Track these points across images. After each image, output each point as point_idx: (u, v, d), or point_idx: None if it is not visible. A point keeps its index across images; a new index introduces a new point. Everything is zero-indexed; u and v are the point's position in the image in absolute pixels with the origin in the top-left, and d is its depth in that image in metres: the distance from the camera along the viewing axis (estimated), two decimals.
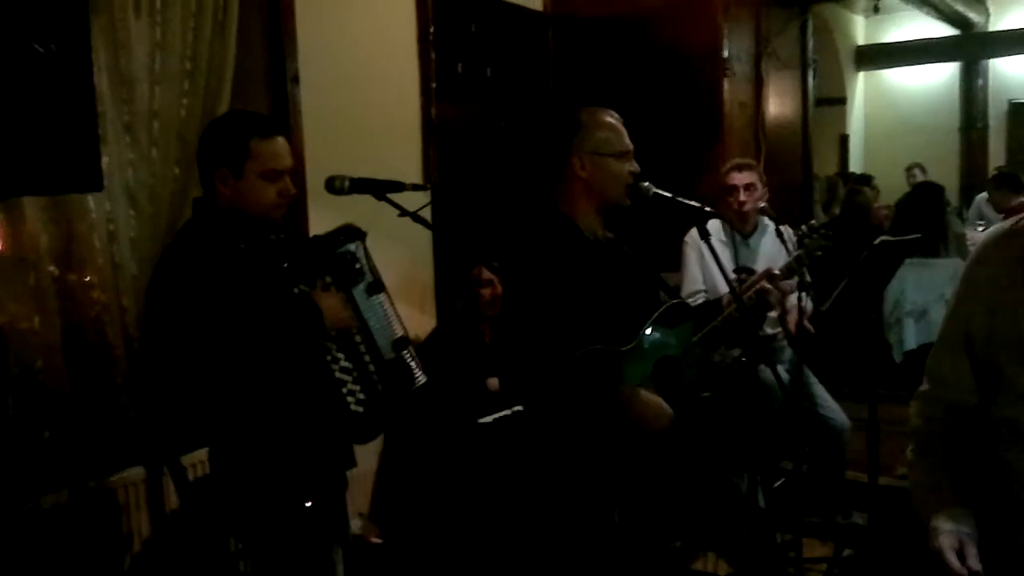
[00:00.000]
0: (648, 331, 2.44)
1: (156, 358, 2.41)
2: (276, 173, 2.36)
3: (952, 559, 1.69)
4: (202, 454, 2.90)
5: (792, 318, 3.40)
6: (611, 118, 2.58)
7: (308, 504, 2.38)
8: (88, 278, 2.89)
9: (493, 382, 3.63)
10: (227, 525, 2.56)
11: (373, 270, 2.49)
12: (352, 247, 2.44)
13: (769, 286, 2.76)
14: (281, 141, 2.40)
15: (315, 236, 2.47)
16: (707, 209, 2.52)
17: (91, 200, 2.87)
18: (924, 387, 1.97)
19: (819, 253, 2.92)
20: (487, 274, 3.85)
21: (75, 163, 2.13)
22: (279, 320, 2.30)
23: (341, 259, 2.43)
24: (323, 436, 2.40)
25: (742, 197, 3.77)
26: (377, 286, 2.48)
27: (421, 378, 2.55)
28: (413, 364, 2.55)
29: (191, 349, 2.24)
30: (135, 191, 2.98)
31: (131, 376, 2.92)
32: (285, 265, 2.36)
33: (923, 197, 6.76)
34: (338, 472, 2.55)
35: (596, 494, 2.41)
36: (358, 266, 2.45)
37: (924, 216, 6.47)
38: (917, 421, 1.94)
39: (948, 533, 1.72)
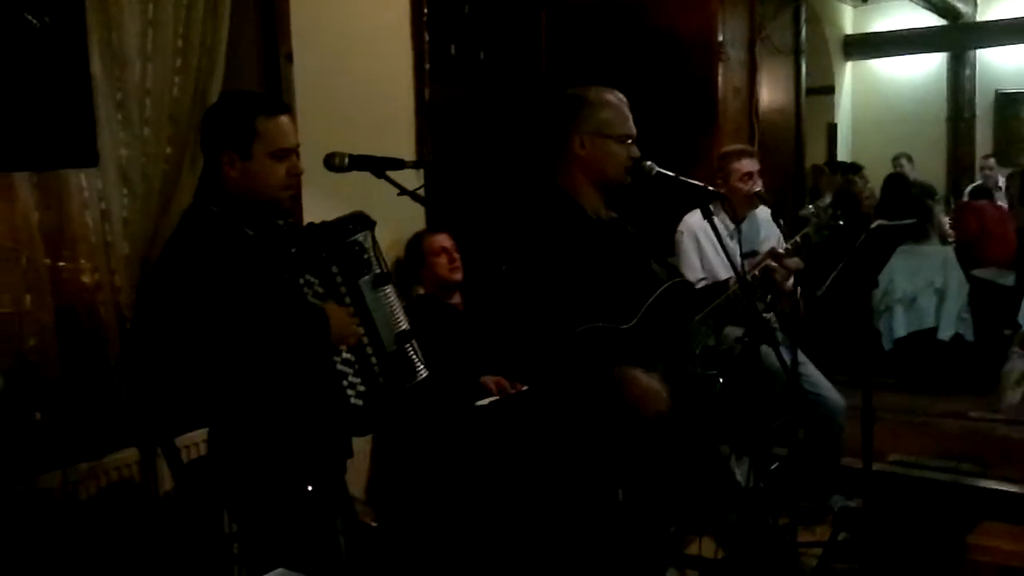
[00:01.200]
0: None
1: (156, 342, 2.36)
2: (285, 152, 2.31)
3: None
4: (196, 436, 2.89)
5: (787, 300, 3.40)
6: (617, 99, 2.56)
7: (309, 488, 2.34)
8: (80, 258, 2.86)
9: (489, 383, 3.59)
10: (222, 507, 2.53)
11: (381, 261, 2.44)
12: (360, 237, 2.39)
13: (775, 264, 2.75)
14: (286, 118, 2.35)
15: (323, 223, 2.41)
16: (710, 188, 2.51)
17: (83, 179, 2.83)
18: None
19: (826, 232, 2.90)
20: (440, 241, 3.78)
21: (70, 138, 2.10)
22: (284, 317, 2.26)
23: (349, 249, 2.37)
24: (321, 428, 2.37)
25: (758, 183, 3.77)
26: (384, 278, 2.43)
27: (423, 372, 2.50)
28: (415, 358, 2.50)
29: (196, 335, 2.19)
30: (127, 170, 2.94)
31: (124, 356, 2.89)
32: (293, 251, 2.31)
33: (896, 187, 6.85)
34: (336, 461, 2.53)
35: (600, 472, 2.39)
36: (366, 257, 2.39)
37: (906, 203, 6.55)
38: None
39: None
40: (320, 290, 2.33)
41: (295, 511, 2.34)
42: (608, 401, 2.33)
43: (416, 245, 3.84)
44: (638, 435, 2.39)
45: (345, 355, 2.38)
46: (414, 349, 2.49)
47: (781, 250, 2.86)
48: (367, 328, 2.40)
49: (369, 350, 2.42)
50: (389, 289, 2.45)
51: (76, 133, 2.10)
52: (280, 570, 1.72)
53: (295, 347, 2.27)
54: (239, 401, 2.28)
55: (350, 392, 2.38)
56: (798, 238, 3.01)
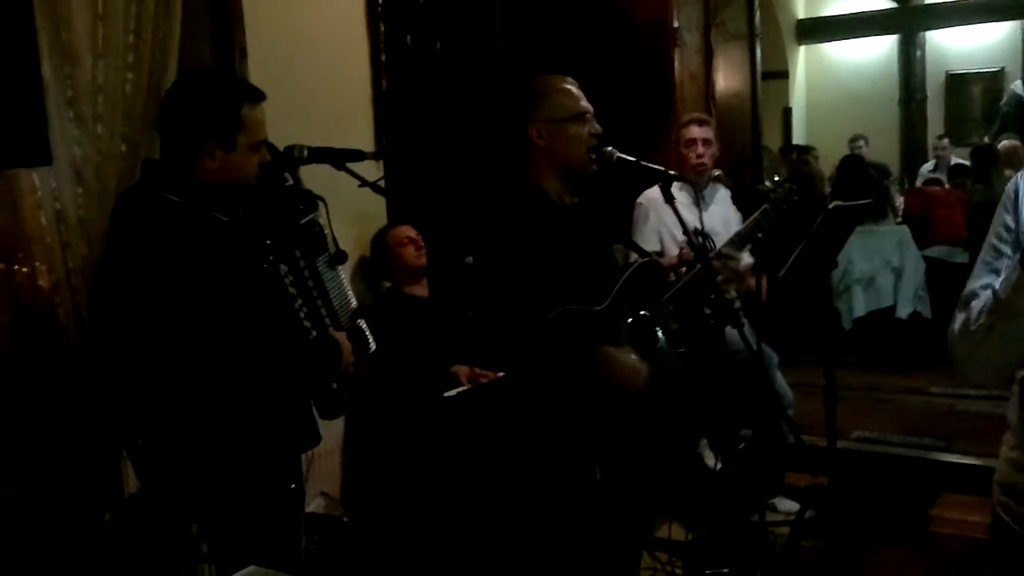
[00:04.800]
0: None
1: (124, 337, 2.28)
2: (260, 144, 2.27)
3: None
4: None
5: (748, 283, 3.44)
6: (566, 83, 2.57)
7: (292, 486, 2.34)
8: (36, 260, 2.80)
9: (460, 373, 3.59)
10: (190, 507, 2.50)
11: (335, 240, 2.44)
12: (315, 215, 2.37)
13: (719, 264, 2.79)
14: (264, 107, 2.29)
15: (271, 202, 2.34)
16: (671, 172, 2.52)
17: (36, 178, 2.77)
18: None
19: (784, 208, 2.93)
20: (404, 231, 3.78)
21: (21, 137, 2.07)
22: (297, 348, 2.26)
23: (309, 230, 2.35)
24: (297, 414, 2.36)
25: (700, 150, 3.80)
26: (339, 257, 2.42)
27: (372, 345, 2.54)
28: (367, 332, 2.53)
29: (188, 337, 2.13)
30: (82, 168, 2.87)
31: (84, 358, 2.84)
32: (268, 242, 2.25)
33: (853, 168, 6.94)
34: (304, 450, 2.52)
35: (579, 454, 2.40)
36: (323, 237, 2.39)
37: (862, 183, 6.64)
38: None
39: None
40: (291, 278, 2.31)
41: (265, 508, 2.33)
42: (588, 382, 2.34)
43: (381, 239, 3.86)
44: (617, 414, 2.42)
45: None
46: (364, 322, 2.53)
47: (737, 234, 2.89)
48: (327, 309, 2.40)
49: (331, 331, 2.41)
50: (340, 268, 2.45)
51: (27, 132, 2.08)
52: (252, 567, 1.70)
53: (306, 375, 2.28)
54: (220, 397, 2.23)
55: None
56: (758, 214, 3.04)
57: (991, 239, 1.78)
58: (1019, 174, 1.79)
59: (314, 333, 2.34)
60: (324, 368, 2.32)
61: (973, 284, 1.78)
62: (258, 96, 2.28)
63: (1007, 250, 1.74)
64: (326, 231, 2.39)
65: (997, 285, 1.66)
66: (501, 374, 3.34)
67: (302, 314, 2.31)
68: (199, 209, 2.21)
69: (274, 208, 2.34)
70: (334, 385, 2.39)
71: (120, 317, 2.23)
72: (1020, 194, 1.74)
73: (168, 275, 2.10)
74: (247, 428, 2.26)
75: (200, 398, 2.22)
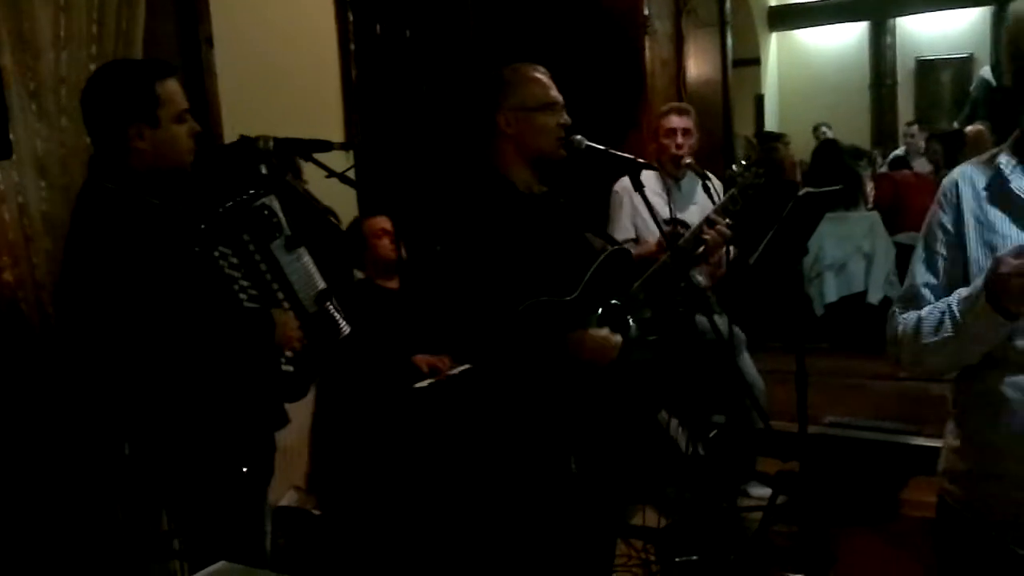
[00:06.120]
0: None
1: (84, 336, 2.29)
2: (184, 113, 2.28)
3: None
4: None
5: (718, 269, 3.45)
6: (536, 72, 2.56)
7: (244, 470, 2.33)
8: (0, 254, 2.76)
9: (421, 361, 3.57)
10: (160, 500, 2.50)
11: (291, 224, 2.43)
12: (267, 200, 2.37)
13: (708, 229, 2.79)
14: (175, 79, 2.31)
15: (219, 188, 2.37)
16: (640, 160, 2.52)
17: None
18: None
19: (751, 192, 2.94)
20: (380, 223, 3.77)
21: None
22: (228, 322, 2.26)
23: (257, 213, 2.35)
24: (256, 399, 2.35)
25: (679, 140, 3.80)
26: (296, 240, 2.41)
27: (346, 328, 2.54)
28: (337, 315, 2.53)
29: (128, 326, 2.15)
30: (45, 161, 2.84)
31: (49, 353, 2.81)
32: (203, 227, 2.27)
33: (828, 154, 6.97)
34: (269, 431, 2.51)
35: (552, 444, 2.41)
36: (275, 220, 2.38)
37: (836, 169, 6.67)
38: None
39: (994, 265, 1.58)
40: (235, 260, 2.32)
41: (227, 496, 2.32)
42: (560, 371, 2.34)
43: (356, 229, 3.82)
44: (591, 402, 2.42)
45: None
46: (335, 306, 2.52)
47: (712, 214, 2.90)
48: (286, 293, 2.41)
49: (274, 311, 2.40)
50: (302, 250, 2.44)
51: None
52: (222, 563, 1.70)
53: (239, 352, 2.27)
54: (171, 389, 2.24)
55: (281, 360, 2.39)
56: (726, 199, 3.05)
57: (927, 237, 1.81)
58: (957, 173, 1.81)
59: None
60: (256, 343, 2.29)
61: (914, 280, 1.81)
62: (168, 70, 2.32)
63: (943, 251, 1.77)
64: (277, 216, 2.38)
65: (954, 304, 1.68)
66: (462, 365, 3.34)
67: (244, 296, 2.33)
68: (133, 194, 2.23)
69: (220, 193, 2.35)
70: (287, 367, 2.38)
71: (72, 306, 2.27)
72: (962, 199, 1.75)
73: (103, 259, 2.15)
74: (195, 407, 2.26)
75: (145, 379, 2.23)
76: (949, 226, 1.77)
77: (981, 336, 1.65)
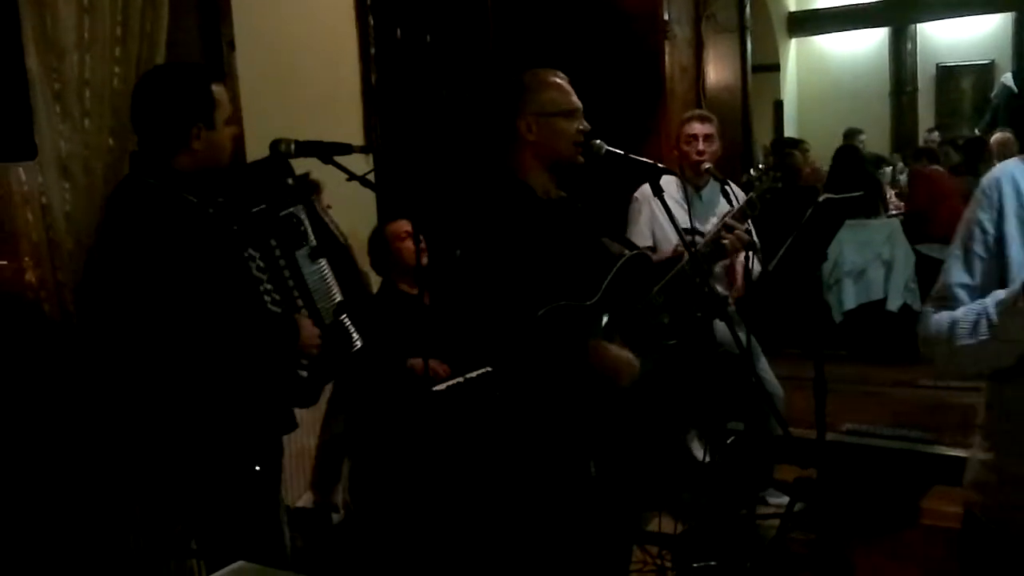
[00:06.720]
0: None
1: (112, 329, 2.33)
2: (234, 116, 2.41)
3: None
4: None
5: (739, 276, 3.44)
6: (556, 78, 2.56)
7: (257, 468, 2.35)
8: (22, 255, 2.79)
9: (417, 365, 3.56)
10: (176, 500, 2.52)
11: (317, 234, 2.46)
12: (295, 209, 2.41)
13: (726, 233, 2.79)
14: (222, 84, 2.41)
15: (253, 193, 2.40)
16: (660, 165, 2.51)
17: (22, 173, 2.75)
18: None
19: (769, 196, 2.94)
20: (403, 226, 3.74)
21: (6, 132, 2.07)
22: (252, 324, 2.29)
23: (287, 221, 2.39)
24: (271, 401, 2.38)
25: (701, 146, 3.78)
26: (320, 251, 2.46)
27: (358, 343, 2.58)
28: (351, 329, 2.57)
29: (156, 320, 2.19)
30: (68, 163, 2.85)
31: (70, 353, 2.83)
32: (235, 228, 2.31)
33: (848, 159, 6.92)
34: (278, 435, 2.54)
35: (574, 448, 2.41)
36: (302, 229, 2.42)
37: (856, 176, 6.63)
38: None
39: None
40: (261, 264, 2.35)
41: (243, 498, 2.34)
42: (581, 377, 2.34)
43: (379, 234, 3.81)
44: (611, 408, 2.42)
45: None
46: (349, 320, 2.56)
47: (729, 218, 2.90)
48: (305, 301, 2.44)
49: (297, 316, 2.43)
50: (324, 262, 2.49)
51: (12, 126, 2.08)
52: (240, 562, 1.70)
53: (262, 353, 2.31)
54: (190, 385, 2.27)
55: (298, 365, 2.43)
56: (744, 204, 3.05)
57: (964, 235, 1.78)
58: (999, 170, 1.77)
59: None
60: (279, 347, 2.32)
61: (949, 280, 1.78)
62: (219, 74, 2.45)
63: (980, 251, 1.74)
64: (304, 225, 2.43)
65: (991, 307, 1.65)
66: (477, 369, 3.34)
67: (268, 299, 2.36)
68: (173, 191, 2.29)
69: (253, 199, 2.39)
70: (302, 372, 2.41)
71: (99, 291, 2.37)
72: (1005, 197, 1.72)
73: (138, 249, 2.21)
74: (211, 406, 2.29)
75: (165, 372, 2.27)
76: (989, 225, 1.73)
77: (1019, 339, 1.62)
